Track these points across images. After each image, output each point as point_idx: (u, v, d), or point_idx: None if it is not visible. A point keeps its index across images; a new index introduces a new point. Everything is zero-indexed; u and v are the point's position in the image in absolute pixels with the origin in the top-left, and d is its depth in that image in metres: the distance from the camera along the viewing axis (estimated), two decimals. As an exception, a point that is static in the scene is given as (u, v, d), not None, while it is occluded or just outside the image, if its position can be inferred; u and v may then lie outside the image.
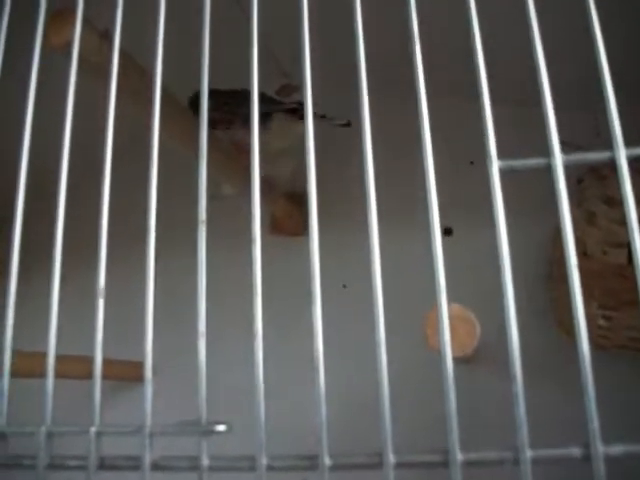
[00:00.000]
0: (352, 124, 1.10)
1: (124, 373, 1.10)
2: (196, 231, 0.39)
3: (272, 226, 1.32)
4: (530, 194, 0.79)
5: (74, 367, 0.82)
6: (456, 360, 0.45)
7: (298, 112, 1.13)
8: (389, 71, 0.81)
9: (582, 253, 0.83)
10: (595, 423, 0.28)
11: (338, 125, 1.13)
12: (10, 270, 0.42)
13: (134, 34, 0.54)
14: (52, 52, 0.54)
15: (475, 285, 0.71)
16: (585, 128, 0.92)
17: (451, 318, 0.55)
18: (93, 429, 0.36)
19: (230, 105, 1.10)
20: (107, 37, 0.53)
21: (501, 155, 0.33)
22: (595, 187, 0.87)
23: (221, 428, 0.33)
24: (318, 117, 1.15)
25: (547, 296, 1.01)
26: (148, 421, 0.35)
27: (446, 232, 1.21)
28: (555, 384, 0.74)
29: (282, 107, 1.13)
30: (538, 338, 0.89)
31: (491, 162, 0.32)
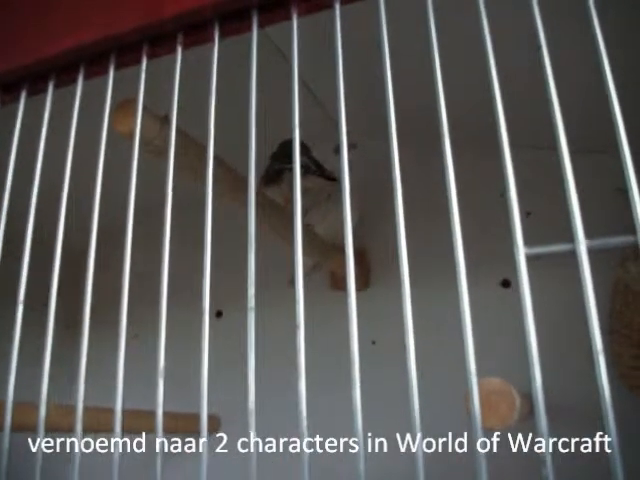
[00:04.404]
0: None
1: (192, 426, 1.12)
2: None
3: (332, 282, 1.34)
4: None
5: (139, 422, 0.85)
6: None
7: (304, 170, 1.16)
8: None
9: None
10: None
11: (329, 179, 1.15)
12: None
13: (193, 116, 0.58)
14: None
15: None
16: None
17: (491, 393, 0.56)
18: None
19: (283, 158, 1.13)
20: (168, 122, 0.58)
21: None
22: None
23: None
24: (312, 173, 1.16)
25: (610, 350, 0.99)
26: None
27: (505, 284, 1.20)
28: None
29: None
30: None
31: (518, 249, 0.34)
